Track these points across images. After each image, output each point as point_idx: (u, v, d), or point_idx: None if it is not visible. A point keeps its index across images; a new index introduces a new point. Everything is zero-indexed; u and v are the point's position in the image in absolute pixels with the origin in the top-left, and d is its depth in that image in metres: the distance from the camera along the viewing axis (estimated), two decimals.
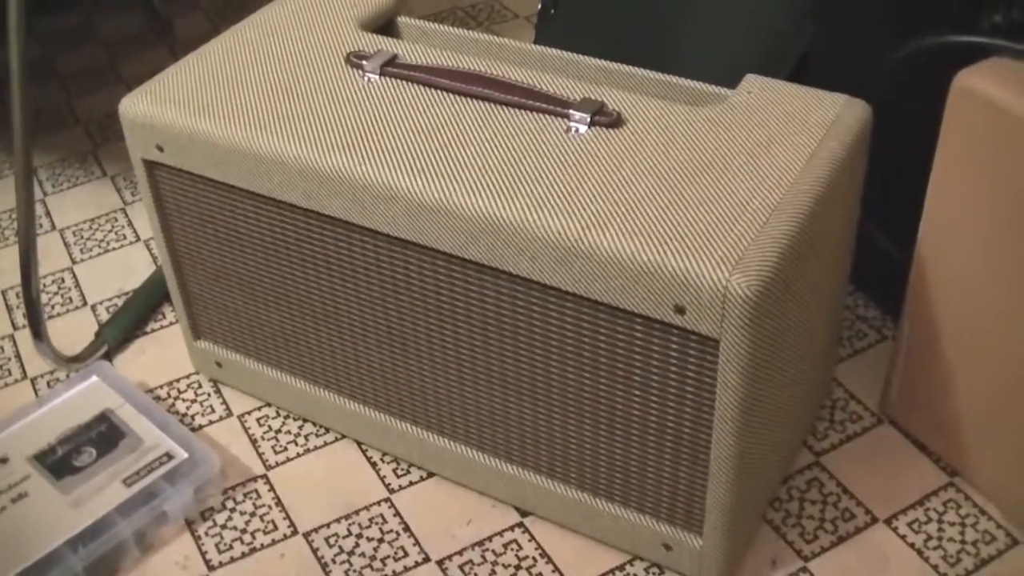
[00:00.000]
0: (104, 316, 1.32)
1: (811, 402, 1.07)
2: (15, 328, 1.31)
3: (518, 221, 0.85)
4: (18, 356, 1.27)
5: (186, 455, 1.08)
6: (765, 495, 1.01)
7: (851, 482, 1.07)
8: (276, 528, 1.06)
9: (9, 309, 1.34)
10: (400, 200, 0.89)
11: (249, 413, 1.18)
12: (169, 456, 1.08)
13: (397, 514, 1.07)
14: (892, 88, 1.08)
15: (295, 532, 1.06)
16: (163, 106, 1.00)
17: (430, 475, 1.10)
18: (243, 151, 0.96)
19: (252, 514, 1.08)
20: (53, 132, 1.64)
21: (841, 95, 0.96)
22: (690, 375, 0.85)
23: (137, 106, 1.01)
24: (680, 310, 0.81)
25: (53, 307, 1.34)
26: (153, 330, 1.29)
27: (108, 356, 1.26)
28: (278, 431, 1.15)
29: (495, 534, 1.04)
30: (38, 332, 1.19)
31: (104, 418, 1.12)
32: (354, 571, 1.02)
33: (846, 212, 0.96)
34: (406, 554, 1.03)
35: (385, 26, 1.13)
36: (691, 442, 0.89)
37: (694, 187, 0.86)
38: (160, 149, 1.01)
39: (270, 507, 1.08)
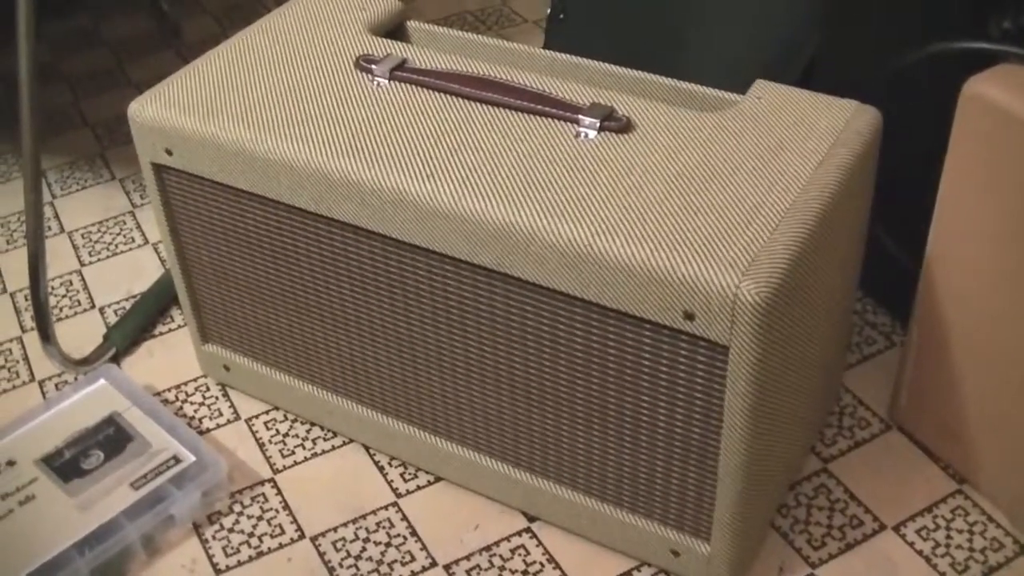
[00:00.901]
0: (112, 319, 1.32)
1: (819, 408, 1.07)
2: (23, 331, 1.31)
3: (527, 226, 0.85)
4: (26, 358, 1.27)
5: (193, 459, 1.08)
6: (773, 501, 1.01)
7: (859, 489, 1.07)
8: (283, 532, 1.06)
9: (17, 311, 1.34)
10: (409, 205, 0.89)
11: (257, 417, 1.18)
12: (176, 459, 1.08)
13: (404, 519, 1.07)
14: (901, 94, 1.08)
15: (302, 536, 1.06)
16: (172, 110, 1.00)
17: (437, 479, 1.10)
18: (252, 155, 0.96)
19: (259, 518, 1.08)
20: (62, 135, 1.64)
21: (851, 101, 0.96)
22: (699, 381, 0.85)
23: (146, 109, 1.01)
24: (689, 316, 0.81)
25: (61, 310, 1.34)
26: (161, 333, 1.29)
27: (116, 359, 1.26)
28: (286, 435, 1.15)
29: (502, 539, 1.04)
30: (46, 335, 1.19)
31: (112, 421, 1.12)
32: (361, 575, 1.02)
33: (856, 218, 0.96)
34: (413, 559, 1.03)
35: (394, 30, 1.13)
36: (699, 448, 0.89)
37: (704, 193, 0.86)
38: (169, 153, 1.01)
39: (277, 511, 1.08)
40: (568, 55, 1.05)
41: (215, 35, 1.86)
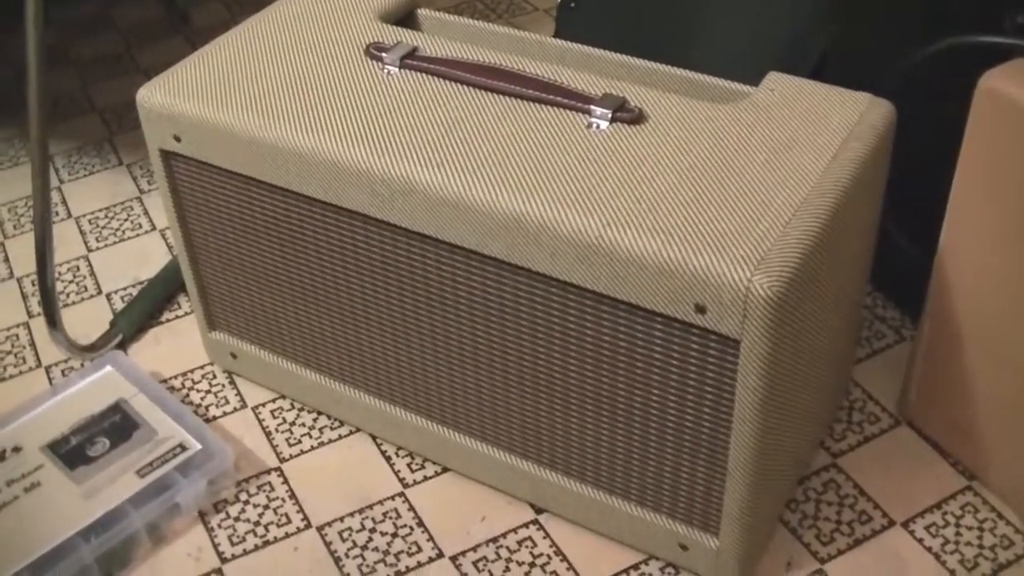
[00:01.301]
0: (119, 305, 1.31)
1: (829, 402, 1.06)
2: (30, 316, 1.31)
3: (538, 217, 0.84)
4: (33, 344, 1.27)
5: (200, 446, 1.07)
6: (782, 496, 1.01)
7: (868, 484, 1.06)
8: (289, 521, 1.06)
9: (24, 297, 1.34)
10: (419, 194, 0.89)
11: (263, 405, 1.17)
12: (183, 447, 1.07)
13: (411, 509, 1.06)
14: (913, 88, 1.07)
15: (308, 525, 1.05)
16: (181, 96, 0.99)
17: (445, 470, 1.10)
18: (261, 142, 0.95)
19: (265, 507, 1.07)
20: (69, 120, 1.64)
21: (865, 94, 0.96)
22: (710, 375, 0.85)
23: (155, 96, 1.00)
24: (701, 309, 0.81)
25: (68, 295, 1.33)
26: (168, 320, 1.29)
27: (122, 346, 1.25)
28: (292, 423, 1.15)
29: (510, 531, 1.04)
30: (53, 320, 1.19)
31: (118, 408, 1.12)
32: (367, 566, 1.02)
33: (868, 212, 0.96)
34: (420, 549, 1.03)
35: (405, 18, 1.12)
36: (709, 442, 0.89)
37: (716, 185, 0.86)
38: (177, 139, 1.01)
39: (284, 500, 1.08)
40: (580, 45, 1.05)
41: (224, 21, 1.86)
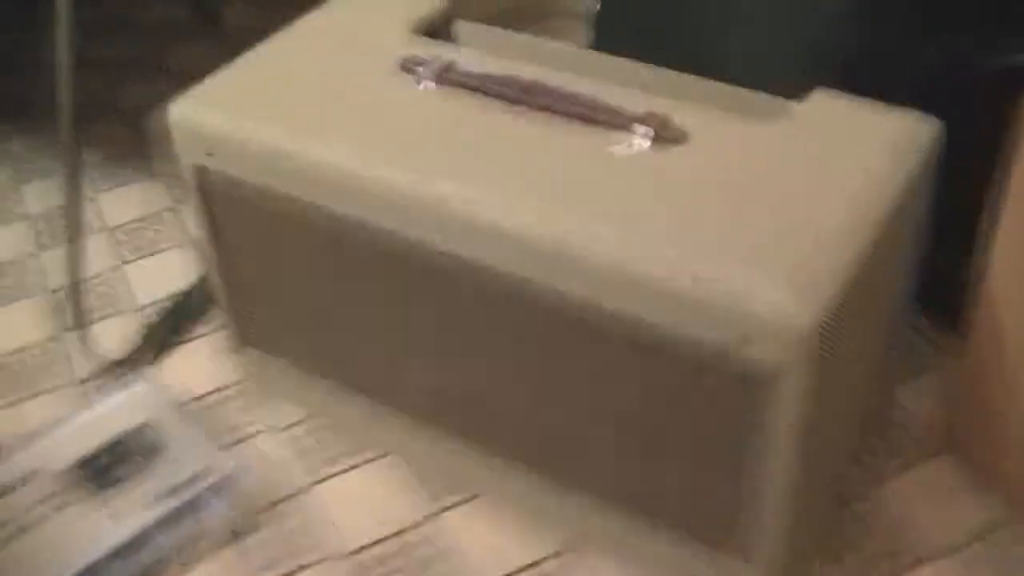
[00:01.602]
0: (152, 319, 1.30)
1: (869, 428, 1.04)
2: (62, 330, 1.30)
3: (575, 240, 0.82)
4: (64, 359, 1.26)
5: (229, 468, 1.06)
6: (818, 524, 0.98)
7: (907, 513, 1.03)
8: (319, 546, 1.04)
9: (57, 310, 1.33)
10: (455, 215, 0.87)
11: (295, 425, 1.16)
12: (212, 469, 1.06)
13: (444, 534, 1.04)
14: (946, 100, 1.04)
15: (339, 551, 1.04)
16: (213, 112, 0.98)
17: (478, 496, 1.08)
18: (295, 160, 0.94)
19: (295, 531, 1.05)
20: (100, 128, 1.63)
21: (911, 111, 0.93)
22: (748, 406, 0.82)
23: (186, 111, 0.99)
24: (740, 340, 0.78)
25: (101, 309, 1.32)
26: (200, 335, 1.27)
27: (154, 361, 1.24)
28: (324, 445, 1.13)
29: (543, 558, 1.02)
30: (84, 335, 1.18)
31: (147, 427, 1.10)
32: None
33: (911, 234, 0.93)
34: None
35: (441, 30, 1.10)
36: (745, 473, 0.86)
37: (757, 208, 0.83)
38: (210, 155, 0.99)
39: (314, 524, 1.06)
40: (619, 57, 1.02)
41: (256, 23, 1.84)
